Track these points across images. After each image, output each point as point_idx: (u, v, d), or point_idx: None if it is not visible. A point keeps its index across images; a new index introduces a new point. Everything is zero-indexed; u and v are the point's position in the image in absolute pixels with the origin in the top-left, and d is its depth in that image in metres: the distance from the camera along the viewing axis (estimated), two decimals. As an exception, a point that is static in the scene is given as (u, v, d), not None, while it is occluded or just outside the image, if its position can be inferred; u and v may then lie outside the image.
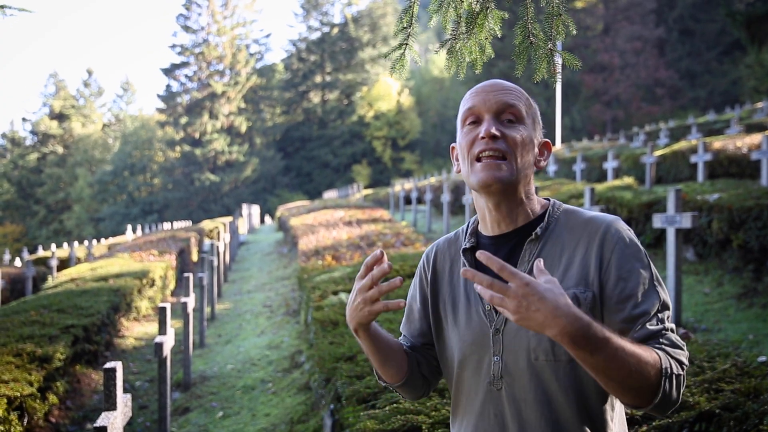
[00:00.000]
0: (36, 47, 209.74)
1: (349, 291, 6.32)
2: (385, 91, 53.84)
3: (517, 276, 1.19)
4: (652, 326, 1.34)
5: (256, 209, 33.52)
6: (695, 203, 7.20)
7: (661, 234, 7.72)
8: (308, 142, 56.95)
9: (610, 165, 13.66)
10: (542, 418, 1.40)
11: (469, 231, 1.59)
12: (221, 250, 12.23)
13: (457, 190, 16.50)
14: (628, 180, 11.50)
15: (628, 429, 2.42)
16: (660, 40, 43.60)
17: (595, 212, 1.51)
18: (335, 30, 58.32)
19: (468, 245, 1.56)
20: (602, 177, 15.03)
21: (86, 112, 67.17)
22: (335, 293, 6.32)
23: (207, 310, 9.88)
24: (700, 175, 11.16)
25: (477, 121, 1.49)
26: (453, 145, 1.60)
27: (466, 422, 1.52)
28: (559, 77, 1.86)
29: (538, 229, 1.47)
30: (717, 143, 12.15)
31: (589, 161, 16.13)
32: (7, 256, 25.78)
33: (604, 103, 44.10)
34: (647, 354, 1.26)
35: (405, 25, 1.97)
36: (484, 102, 1.48)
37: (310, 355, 5.45)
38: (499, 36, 2.01)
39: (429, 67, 57.41)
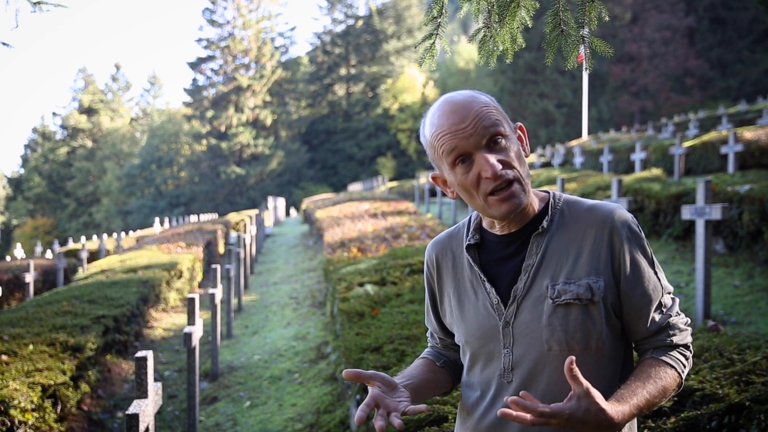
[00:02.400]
0: (63, 39, 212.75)
1: (374, 282, 6.34)
2: (410, 84, 53.68)
3: (557, 415, 1.24)
4: (657, 317, 1.45)
5: (281, 202, 33.70)
6: (725, 195, 7.09)
7: (690, 226, 7.62)
8: (333, 135, 57.05)
9: (637, 156, 13.48)
10: None
11: (472, 227, 1.59)
12: (247, 242, 12.33)
13: (483, 182, 16.41)
14: (656, 171, 11.36)
15: (657, 421, 2.41)
16: (690, 29, 42.82)
17: (596, 201, 1.52)
18: (360, 22, 58.25)
19: (472, 242, 1.56)
20: (629, 169, 14.86)
21: (114, 107, 68.08)
22: (361, 285, 6.34)
23: (234, 301, 9.98)
24: (731, 167, 10.98)
25: (467, 158, 1.43)
26: (433, 175, 1.56)
27: (478, 416, 1.51)
28: (590, 65, 1.83)
29: (544, 223, 1.48)
30: (748, 134, 11.92)
31: (616, 153, 15.95)
32: (39, 249, 26.28)
33: (632, 93, 43.49)
34: (666, 377, 1.41)
35: (435, 15, 1.96)
36: (468, 139, 1.41)
37: (336, 346, 5.48)
38: (529, 26, 2.00)
39: (454, 58, 57.06)
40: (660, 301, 1.45)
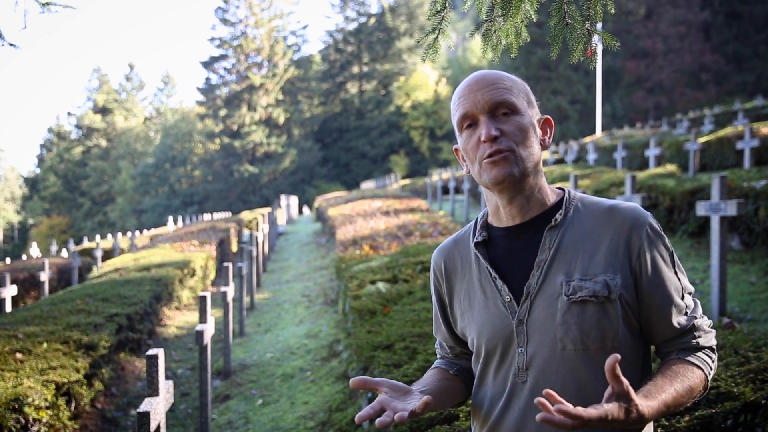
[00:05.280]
0: (74, 34, 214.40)
1: (386, 280, 6.32)
2: (423, 81, 53.59)
3: (602, 417, 1.19)
4: (683, 320, 1.41)
5: (294, 200, 33.78)
6: (741, 190, 7.00)
7: (705, 222, 7.54)
8: (346, 133, 57.10)
9: (651, 152, 13.38)
10: None
11: (479, 225, 1.57)
12: (260, 240, 12.36)
13: (495, 179, 16.34)
14: (670, 167, 11.26)
15: (671, 419, 2.37)
16: (705, 24, 42.39)
17: (614, 200, 1.49)
18: (372, 20, 58.22)
19: (480, 239, 1.54)
20: (644, 165, 14.74)
21: (128, 106, 68.59)
22: (373, 282, 6.33)
23: (246, 299, 10.01)
24: (747, 162, 10.86)
25: (474, 124, 1.46)
26: (455, 147, 1.58)
27: (494, 419, 1.48)
28: (598, 59, 1.81)
29: (558, 216, 1.46)
30: (765, 129, 11.78)
31: (630, 149, 15.83)
32: (54, 247, 26.53)
33: (646, 89, 43.15)
34: (694, 377, 1.37)
35: (438, 9, 1.94)
36: (475, 104, 1.45)
37: (348, 344, 5.48)
38: (534, 21, 1.98)
39: (467, 55, 56.92)
40: (683, 302, 1.42)
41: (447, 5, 1.95)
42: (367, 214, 13.92)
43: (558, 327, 1.38)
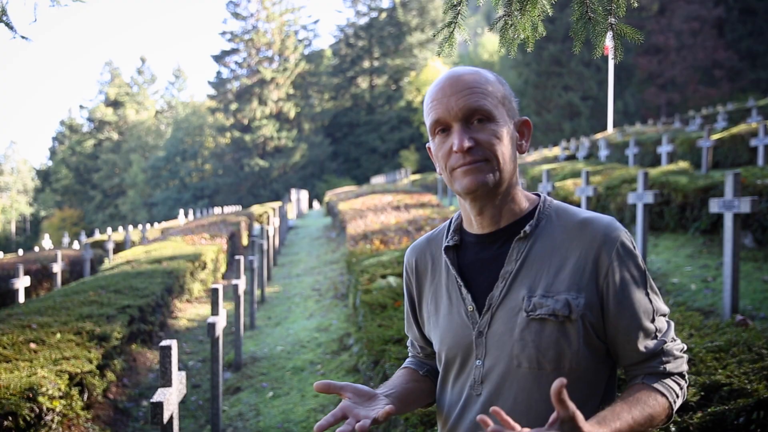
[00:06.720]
0: (85, 26, 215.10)
1: (397, 274, 6.33)
2: (434, 76, 53.39)
3: None
4: (651, 344, 1.34)
5: (304, 194, 33.84)
6: (755, 188, 6.96)
7: (718, 219, 7.50)
8: (356, 128, 57.11)
9: (664, 149, 13.30)
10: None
11: (452, 228, 1.51)
12: (271, 234, 12.39)
13: (506, 175, 16.30)
14: (683, 165, 11.19)
15: (683, 414, 2.37)
16: (719, 20, 42.03)
17: (591, 212, 1.40)
18: (383, 15, 58.13)
19: (451, 243, 1.48)
20: (656, 162, 14.67)
21: (140, 99, 68.86)
22: (383, 277, 6.34)
23: (257, 292, 10.05)
24: (760, 159, 10.79)
25: (447, 129, 1.38)
26: (428, 145, 1.50)
27: (449, 426, 1.44)
28: (620, 55, 1.79)
29: (527, 227, 1.38)
30: (779, 126, 11.70)
31: (642, 146, 15.75)
32: (66, 240, 26.72)
33: (658, 86, 42.87)
34: (656, 405, 1.30)
35: (455, 3, 1.94)
36: (448, 110, 1.36)
37: (359, 338, 5.49)
38: (550, 14, 1.97)
39: (478, 51, 56.73)
40: (653, 325, 1.34)
41: (463, 0, 1.95)
42: (378, 208, 13.92)
43: (515, 343, 1.33)
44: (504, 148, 1.36)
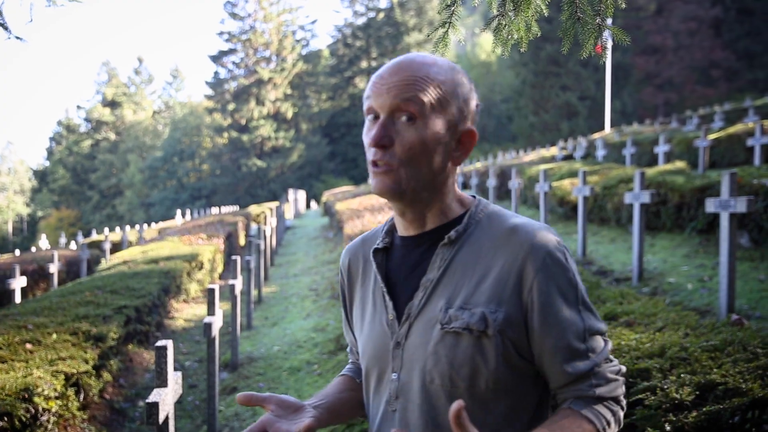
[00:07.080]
0: (85, 30, 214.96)
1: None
2: (431, 76, 53.47)
3: None
4: (580, 365, 1.21)
5: (302, 194, 33.83)
6: (751, 187, 6.97)
7: (714, 219, 7.51)
8: (354, 128, 57.11)
9: (661, 149, 13.32)
10: None
11: (385, 229, 1.40)
12: (268, 234, 12.39)
13: (503, 175, 16.34)
14: (680, 164, 11.21)
15: (678, 414, 2.38)
16: (716, 20, 42.15)
17: (524, 219, 1.27)
18: (381, 15, 58.14)
19: (381, 245, 1.37)
20: (653, 161, 14.69)
21: (137, 100, 68.80)
22: (380, 277, 6.33)
23: (254, 292, 10.04)
24: (757, 159, 10.81)
25: (376, 116, 1.27)
26: None
27: None
28: (608, 54, 1.80)
29: (452, 233, 1.26)
30: (775, 126, 11.72)
31: (639, 145, 15.77)
32: (63, 240, 26.69)
33: (656, 86, 42.97)
34: None
35: (449, 3, 1.94)
36: (379, 98, 1.24)
37: (355, 338, 5.48)
38: (545, 16, 1.97)
39: (476, 51, 56.75)
40: (583, 345, 1.21)
41: (457, 0, 1.95)
42: (375, 208, 13.92)
43: (429, 357, 1.22)
44: (421, 156, 1.23)
